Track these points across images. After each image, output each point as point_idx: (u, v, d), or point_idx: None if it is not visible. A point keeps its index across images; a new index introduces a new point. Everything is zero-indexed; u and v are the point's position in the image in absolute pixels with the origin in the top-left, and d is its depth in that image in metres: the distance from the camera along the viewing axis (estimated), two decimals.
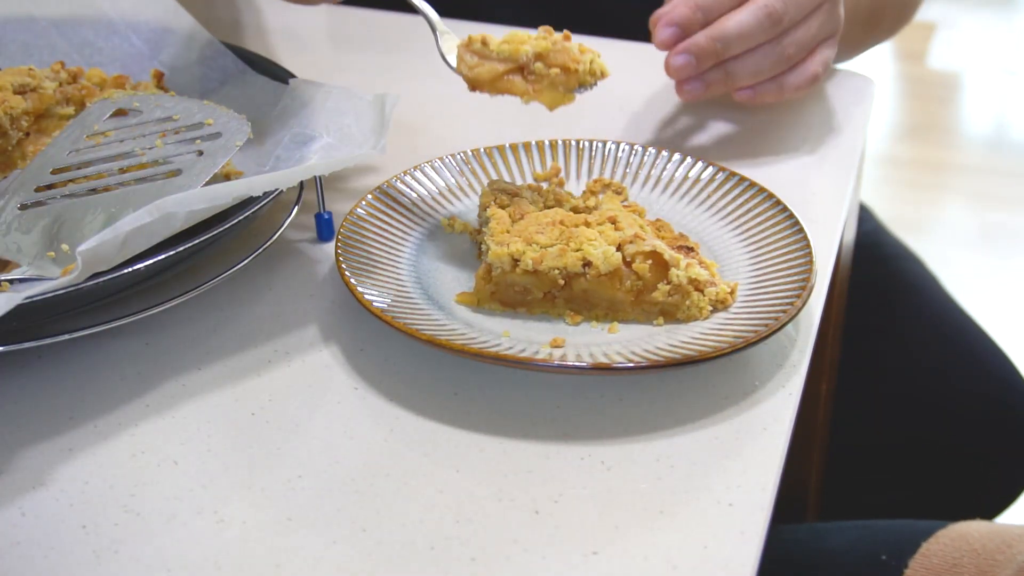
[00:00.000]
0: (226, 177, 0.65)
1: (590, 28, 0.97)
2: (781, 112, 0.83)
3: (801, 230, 0.61)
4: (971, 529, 0.69)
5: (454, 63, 0.66)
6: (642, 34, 0.99)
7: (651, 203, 0.67)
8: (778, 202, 0.64)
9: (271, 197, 0.59)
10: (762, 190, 0.65)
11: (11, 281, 0.55)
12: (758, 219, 0.64)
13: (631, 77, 0.89)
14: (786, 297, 0.57)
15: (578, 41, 0.66)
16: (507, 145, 0.70)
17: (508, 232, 0.59)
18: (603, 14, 0.97)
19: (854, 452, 1.10)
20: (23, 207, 0.59)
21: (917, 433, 1.06)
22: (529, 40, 0.64)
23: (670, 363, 0.52)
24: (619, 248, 0.57)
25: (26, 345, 0.53)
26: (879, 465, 1.10)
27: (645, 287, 0.58)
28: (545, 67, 0.63)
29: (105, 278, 0.52)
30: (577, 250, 0.57)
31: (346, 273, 0.58)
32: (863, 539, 0.76)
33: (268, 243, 0.61)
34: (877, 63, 3.10)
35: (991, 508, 1.04)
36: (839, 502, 1.13)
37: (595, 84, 0.65)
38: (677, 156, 0.70)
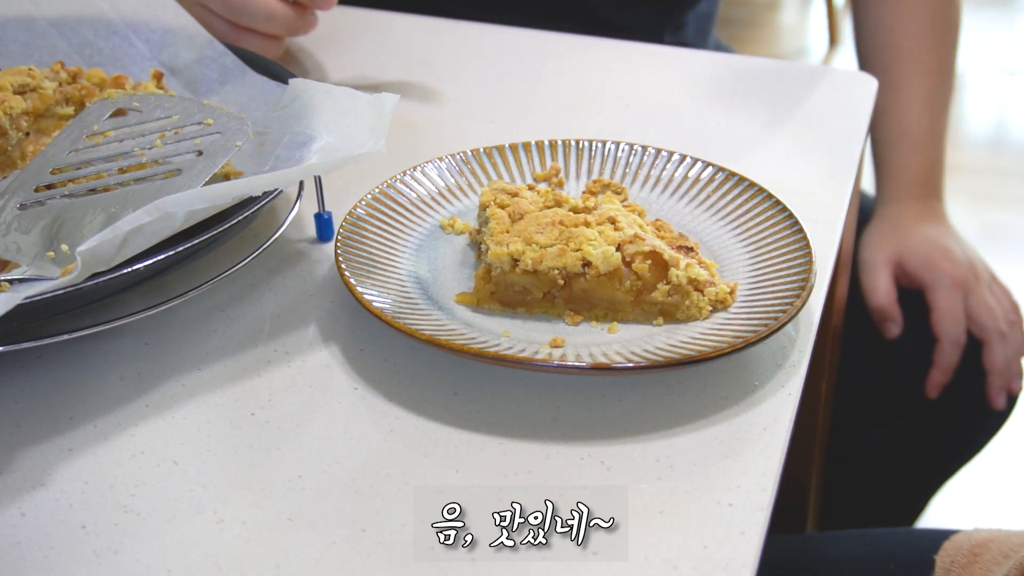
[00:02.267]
0: (226, 177, 0.65)
1: (589, 29, 0.98)
2: (781, 112, 0.83)
3: (801, 230, 0.61)
4: (970, 538, 0.69)
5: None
6: (642, 34, 0.99)
7: (651, 203, 0.67)
8: (778, 202, 0.64)
9: (271, 197, 0.59)
10: (762, 190, 0.65)
11: (11, 281, 0.55)
12: (758, 219, 0.64)
13: (631, 77, 0.89)
14: (786, 297, 0.57)
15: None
16: (507, 145, 0.70)
17: (508, 232, 0.59)
18: (604, 15, 0.97)
19: (854, 451, 1.10)
20: (23, 207, 0.59)
21: (919, 432, 1.06)
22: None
23: (670, 363, 0.52)
24: (619, 248, 0.57)
25: (26, 345, 0.53)
26: (880, 464, 1.10)
27: (645, 287, 0.58)
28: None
29: (105, 278, 0.52)
30: (577, 250, 0.57)
31: (346, 273, 0.58)
32: (861, 547, 0.77)
33: (268, 243, 0.61)
34: None
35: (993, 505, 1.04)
36: (840, 501, 1.13)
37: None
38: (677, 156, 0.69)
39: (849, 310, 1.00)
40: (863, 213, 1.03)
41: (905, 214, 1.01)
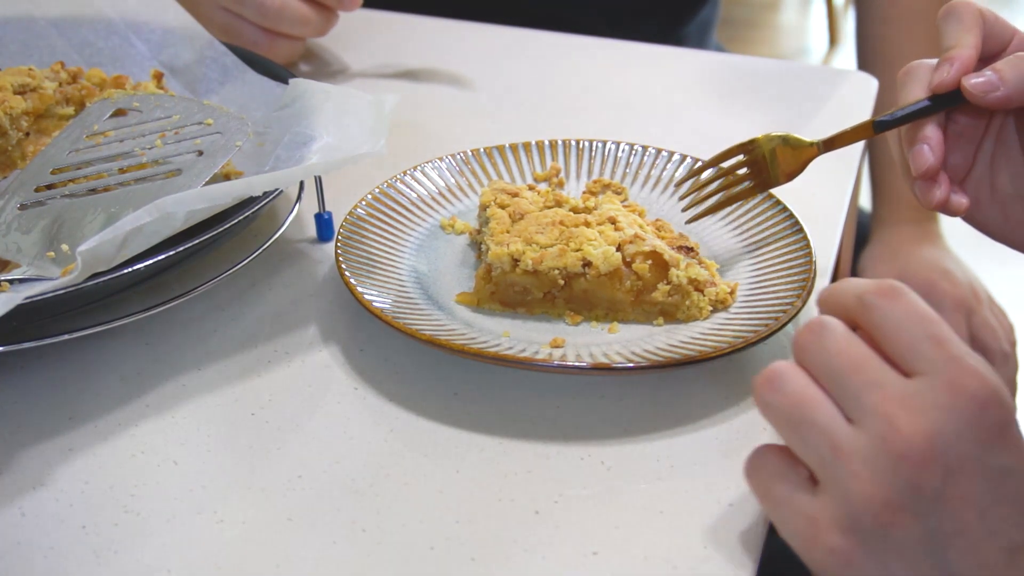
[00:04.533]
0: (226, 177, 0.65)
1: (588, 28, 0.98)
2: (781, 112, 0.83)
3: (801, 230, 0.62)
4: None
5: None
6: (641, 34, 0.99)
7: (651, 203, 0.67)
8: (778, 202, 0.64)
9: (271, 197, 0.59)
10: None
11: (11, 281, 0.55)
12: (758, 219, 0.64)
13: (631, 77, 0.89)
14: (786, 297, 0.57)
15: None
16: (507, 145, 0.70)
17: (508, 232, 0.59)
18: (600, 33, 0.97)
19: None
20: (23, 207, 0.59)
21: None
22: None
23: (670, 363, 0.52)
24: (619, 248, 0.57)
25: (26, 345, 0.53)
26: None
27: (645, 287, 0.58)
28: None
29: (105, 278, 0.52)
30: (577, 250, 0.57)
31: (346, 273, 0.58)
32: None
33: (268, 243, 0.61)
34: None
35: None
36: None
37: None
38: (677, 156, 0.69)
39: None
40: (860, 233, 1.03)
41: (903, 237, 1.01)
